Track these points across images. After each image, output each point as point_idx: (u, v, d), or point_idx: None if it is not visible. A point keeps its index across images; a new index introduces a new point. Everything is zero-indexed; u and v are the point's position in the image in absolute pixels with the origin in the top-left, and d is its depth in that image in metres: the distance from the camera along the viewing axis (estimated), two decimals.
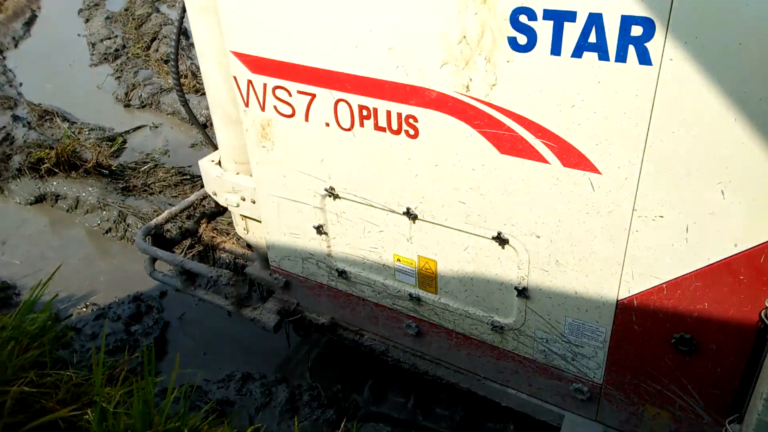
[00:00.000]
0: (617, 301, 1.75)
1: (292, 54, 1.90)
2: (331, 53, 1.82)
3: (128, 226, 4.29)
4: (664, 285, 1.64)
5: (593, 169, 1.58)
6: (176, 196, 4.64)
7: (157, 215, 4.18)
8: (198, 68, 6.04)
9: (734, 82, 1.29)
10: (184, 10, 2.25)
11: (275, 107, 2.06)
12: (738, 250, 1.48)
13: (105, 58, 7.01)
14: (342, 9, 1.71)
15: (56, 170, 4.72)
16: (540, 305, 1.92)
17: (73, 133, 5.47)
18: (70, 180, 4.69)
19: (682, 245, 1.56)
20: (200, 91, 5.81)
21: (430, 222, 2.00)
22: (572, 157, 1.59)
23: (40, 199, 4.68)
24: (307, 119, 2.01)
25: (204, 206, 3.39)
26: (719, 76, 1.30)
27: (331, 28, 1.76)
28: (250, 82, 2.05)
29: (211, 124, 2.59)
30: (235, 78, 2.09)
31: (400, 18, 1.64)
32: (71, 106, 6.07)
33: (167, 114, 5.91)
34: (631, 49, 1.36)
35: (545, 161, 1.64)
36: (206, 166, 2.63)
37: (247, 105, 2.13)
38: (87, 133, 5.51)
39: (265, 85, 2.02)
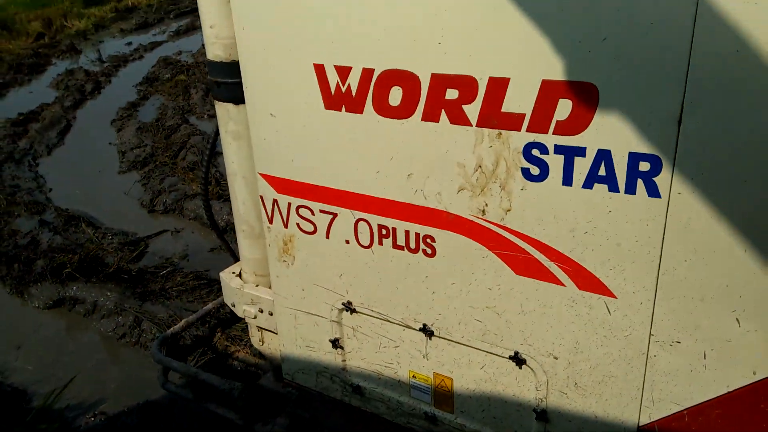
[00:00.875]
0: (638, 427, 1.71)
1: (317, 177, 2.01)
2: (354, 177, 1.93)
3: (143, 331, 4.30)
4: (685, 412, 1.61)
5: (608, 293, 1.61)
6: (192, 301, 4.68)
7: (172, 321, 4.20)
8: (221, 175, 6.34)
9: (742, 216, 1.35)
10: (217, 133, 2.42)
11: (298, 224, 2.15)
12: (757, 377, 1.47)
13: (134, 166, 7.35)
14: (366, 140, 1.84)
15: (77, 275, 4.82)
16: (560, 429, 1.88)
17: (97, 237, 5.64)
18: (90, 285, 4.77)
19: (700, 371, 1.55)
20: (222, 197, 6.02)
21: (446, 339, 2.01)
22: (587, 281, 1.63)
23: (58, 303, 4.74)
24: (327, 236, 2.09)
25: (219, 313, 3.42)
26: (727, 210, 1.37)
27: (356, 156, 1.89)
28: (275, 201, 2.16)
29: (231, 230, 2.71)
30: (261, 197, 2.20)
31: (420, 148, 1.75)
32: (97, 212, 6.29)
33: (189, 219, 6.09)
34: (640, 182, 1.44)
35: (561, 283, 1.68)
36: (227, 278, 2.70)
37: (271, 222, 2.22)
38: (110, 237, 5.67)
39: (289, 204, 2.13)
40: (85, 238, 5.64)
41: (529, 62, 1.50)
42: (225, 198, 5.84)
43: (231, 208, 2.60)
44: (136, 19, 15.85)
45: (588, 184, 1.52)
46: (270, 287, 2.45)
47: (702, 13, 1.25)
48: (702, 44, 1.28)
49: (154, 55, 12.32)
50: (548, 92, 1.50)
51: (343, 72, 1.80)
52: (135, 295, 4.68)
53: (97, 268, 4.88)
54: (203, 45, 2.33)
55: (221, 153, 2.41)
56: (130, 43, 13.54)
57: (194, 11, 14.49)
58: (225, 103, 2.20)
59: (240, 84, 2.05)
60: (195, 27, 14.15)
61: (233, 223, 2.66)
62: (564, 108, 1.49)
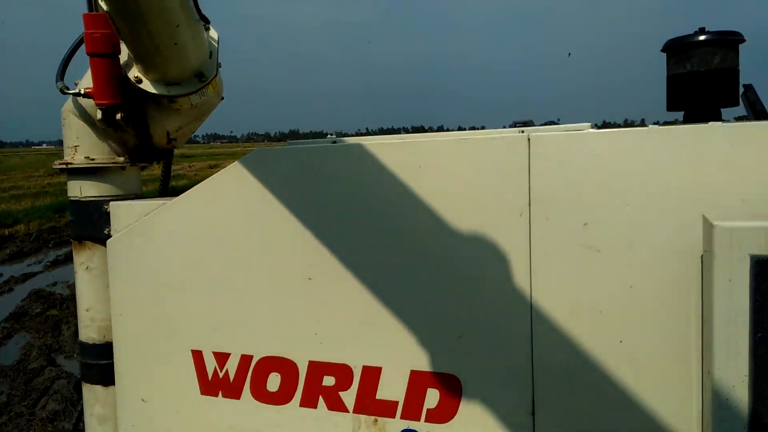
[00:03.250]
0: None
1: None
2: None
3: None
4: None
5: None
6: None
7: None
8: None
9: None
10: (80, 416, 2.24)
11: None
12: None
13: None
14: (244, 425, 1.80)
15: None
16: None
17: None
18: None
19: None
20: None
21: None
22: None
23: None
24: None
25: None
26: None
27: None
28: None
29: None
30: None
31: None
32: None
33: None
34: None
35: None
36: None
37: None
38: None
39: None
40: None
41: (399, 353, 1.62)
42: None
43: None
44: (11, 249, 15.24)
45: None
46: None
47: (536, 322, 1.47)
48: (541, 355, 1.48)
49: (27, 287, 11.67)
50: (417, 382, 1.60)
51: (222, 358, 1.82)
52: None
53: None
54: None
55: None
56: (0, 275, 12.80)
57: None
58: (94, 386, 2.09)
59: (111, 366, 1.99)
60: None
61: None
62: (433, 397, 1.58)
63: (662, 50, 2.47)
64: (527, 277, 1.49)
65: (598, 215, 1.43)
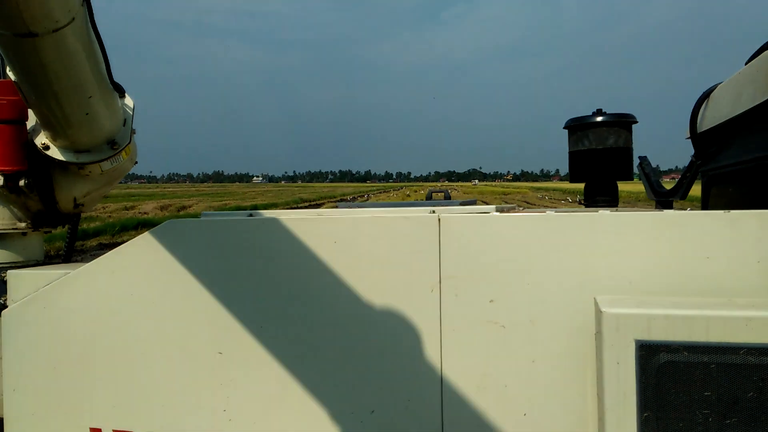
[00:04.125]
0: None
1: None
2: None
3: None
4: None
5: None
6: None
7: None
8: None
9: None
10: None
11: None
12: None
13: None
14: None
15: None
16: None
17: None
18: None
19: None
20: None
21: None
22: None
23: None
24: None
25: None
26: None
27: None
28: None
29: None
30: None
31: None
32: None
33: None
34: None
35: None
36: None
37: None
38: None
39: None
40: None
41: (311, 429, 1.60)
42: None
43: None
44: None
45: None
46: None
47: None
48: (451, 429, 1.51)
49: None
50: None
51: None
52: None
53: None
54: None
55: None
56: None
57: None
58: None
59: None
60: None
61: None
62: None
63: (564, 128, 2.68)
64: (438, 352, 1.54)
65: (503, 293, 1.50)
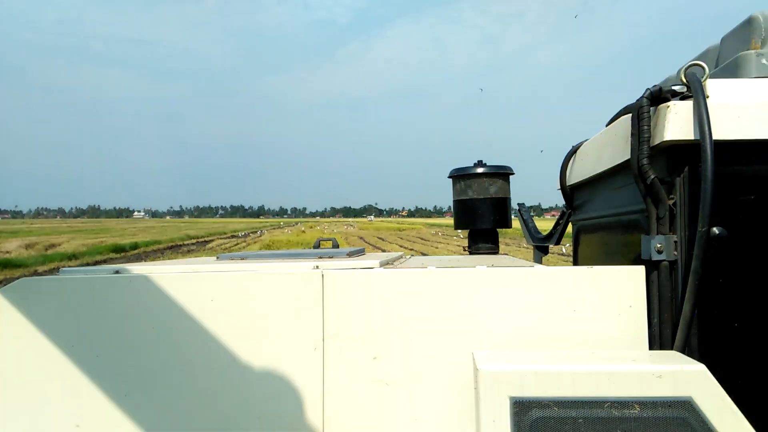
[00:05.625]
0: None
1: None
2: None
3: None
4: None
5: None
6: None
7: None
8: None
9: None
10: None
11: None
12: None
13: None
14: None
15: None
16: None
17: None
18: None
19: None
20: None
21: None
22: None
23: None
24: None
25: None
26: None
27: None
28: None
29: None
30: None
31: None
32: None
33: None
34: None
35: None
36: None
37: None
38: None
39: None
40: None
41: None
42: None
43: None
44: None
45: None
46: None
47: None
48: None
49: None
50: None
51: None
52: None
53: None
54: None
55: None
56: None
57: None
58: None
59: None
60: None
61: None
62: None
63: (449, 177, 2.77)
64: (320, 413, 1.48)
65: (386, 349, 1.49)
